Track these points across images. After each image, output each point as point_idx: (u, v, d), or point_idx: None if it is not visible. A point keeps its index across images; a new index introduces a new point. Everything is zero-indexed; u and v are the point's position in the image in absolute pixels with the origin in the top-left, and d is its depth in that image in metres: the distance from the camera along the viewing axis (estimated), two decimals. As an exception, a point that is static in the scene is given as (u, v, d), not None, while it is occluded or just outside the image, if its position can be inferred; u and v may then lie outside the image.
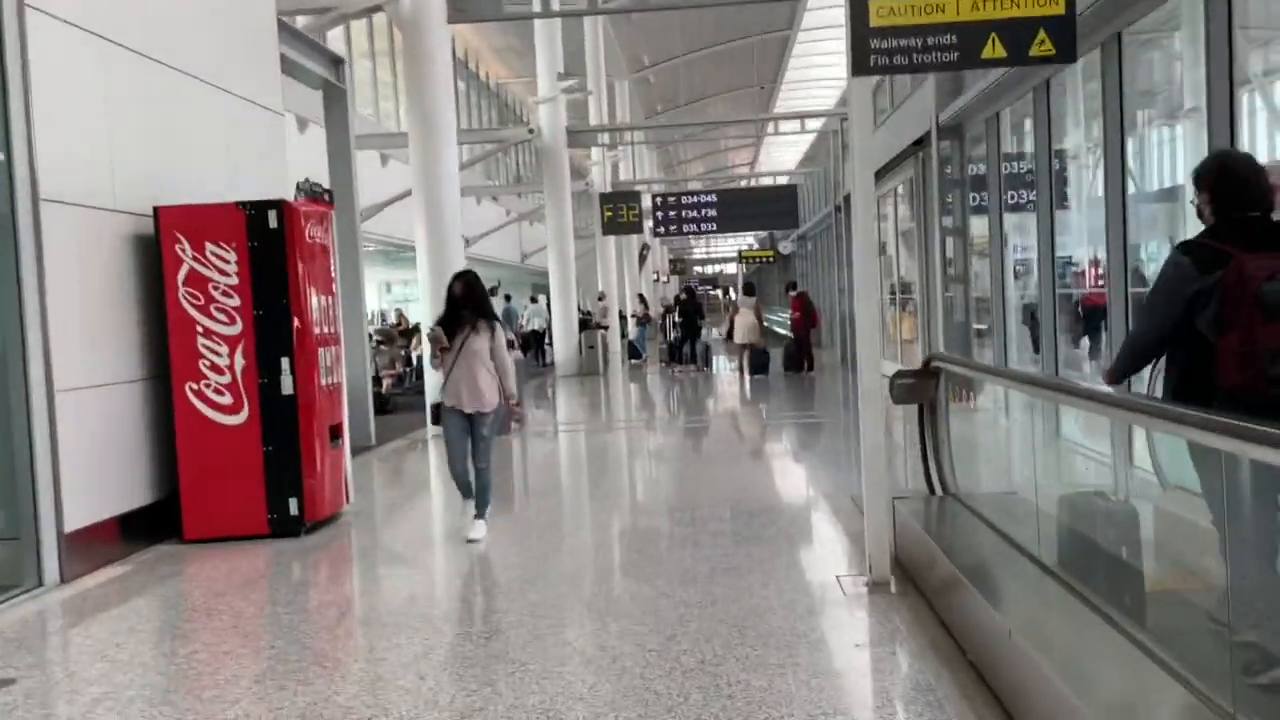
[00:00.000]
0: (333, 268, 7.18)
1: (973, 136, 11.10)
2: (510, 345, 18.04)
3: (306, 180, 6.97)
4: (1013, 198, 10.14)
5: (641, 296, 25.18)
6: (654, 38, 34.45)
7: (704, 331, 21.03)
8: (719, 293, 61.46)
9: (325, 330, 6.91)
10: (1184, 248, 3.37)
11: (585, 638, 4.22)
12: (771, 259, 33.11)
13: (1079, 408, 4.03)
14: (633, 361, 23.64)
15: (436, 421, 6.26)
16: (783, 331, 31.57)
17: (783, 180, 30.59)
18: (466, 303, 6.02)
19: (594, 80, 27.43)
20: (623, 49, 34.30)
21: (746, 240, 48.84)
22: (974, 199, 11.22)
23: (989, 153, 10.46)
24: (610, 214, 18.84)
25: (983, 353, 11.17)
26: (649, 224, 22.72)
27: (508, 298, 26.84)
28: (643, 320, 23.96)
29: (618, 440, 11.04)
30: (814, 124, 20.93)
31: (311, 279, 6.70)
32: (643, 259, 40.85)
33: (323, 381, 6.78)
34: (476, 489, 6.02)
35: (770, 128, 21.20)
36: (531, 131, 19.77)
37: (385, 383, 14.89)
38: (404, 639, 4.25)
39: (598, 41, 27.30)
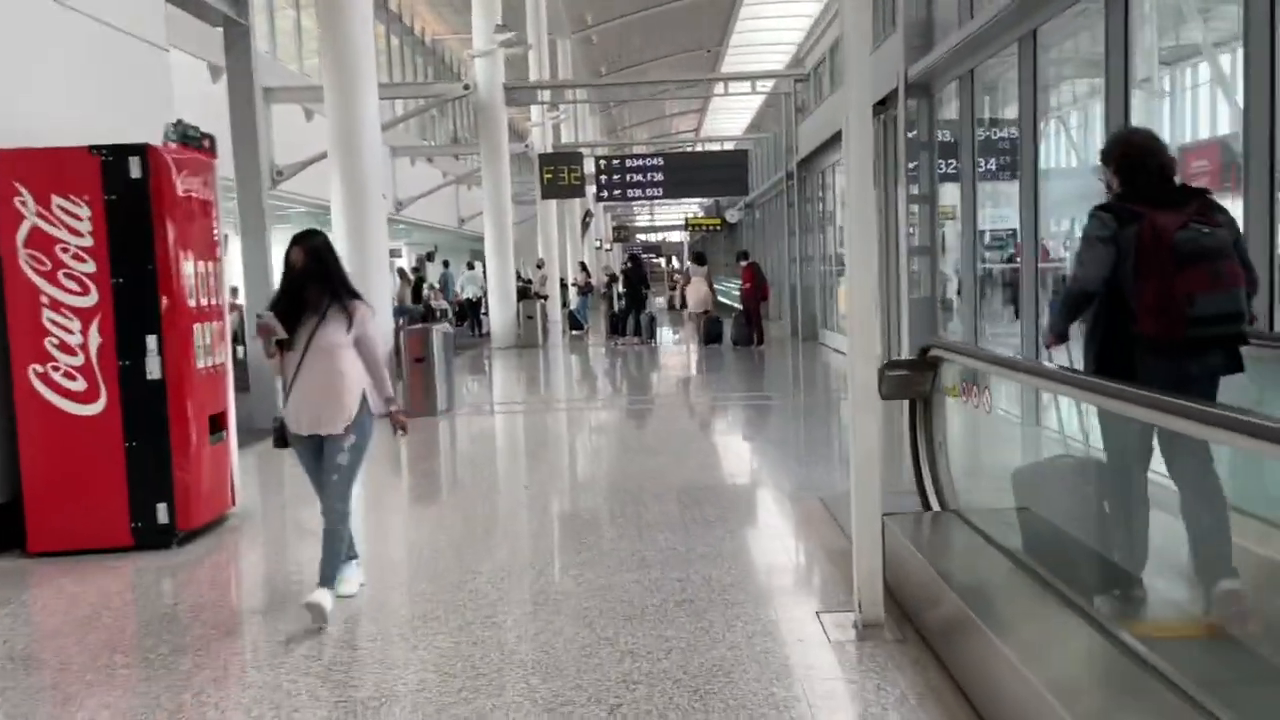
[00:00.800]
0: (216, 228, 6.06)
1: (943, 97, 10.25)
2: (437, 316, 16.76)
3: (179, 123, 5.82)
4: (988, 164, 9.33)
5: (583, 264, 24.11)
6: (596, -1, 33.17)
7: (649, 301, 20.07)
8: (663, 261, 60.47)
9: (205, 302, 5.82)
10: (1101, 207, 3.57)
11: (505, 711, 3.28)
12: (718, 227, 32.22)
13: (1122, 412, 3.18)
14: (574, 333, 22.62)
15: (282, 444, 4.44)
16: (728, 302, 30.79)
17: (730, 146, 29.67)
18: (312, 277, 4.28)
19: (534, 36, 26.11)
20: (565, 7, 32.92)
21: (692, 208, 47.90)
22: (943, 165, 10.40)
23: (962, 114, 9.61)
24: (550, 176, 17.70)
25: (950, 330, 10.41)
26: (592, 190, 21.67)
27: (445, 264, 25.62)
28: (584, 289, 22.90)
29: (556, 425, 10.06)
30: (764, 87, 19.93)
31: (186, 241, 5.58)
32: (585, 226, 39.67)
33: (200, 363, 5.70)
34: (325, 543, 4.27)
35: (720, 88, 20.14)
36: (467, 88, 18.49)
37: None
38: (284, 704, 3.27)
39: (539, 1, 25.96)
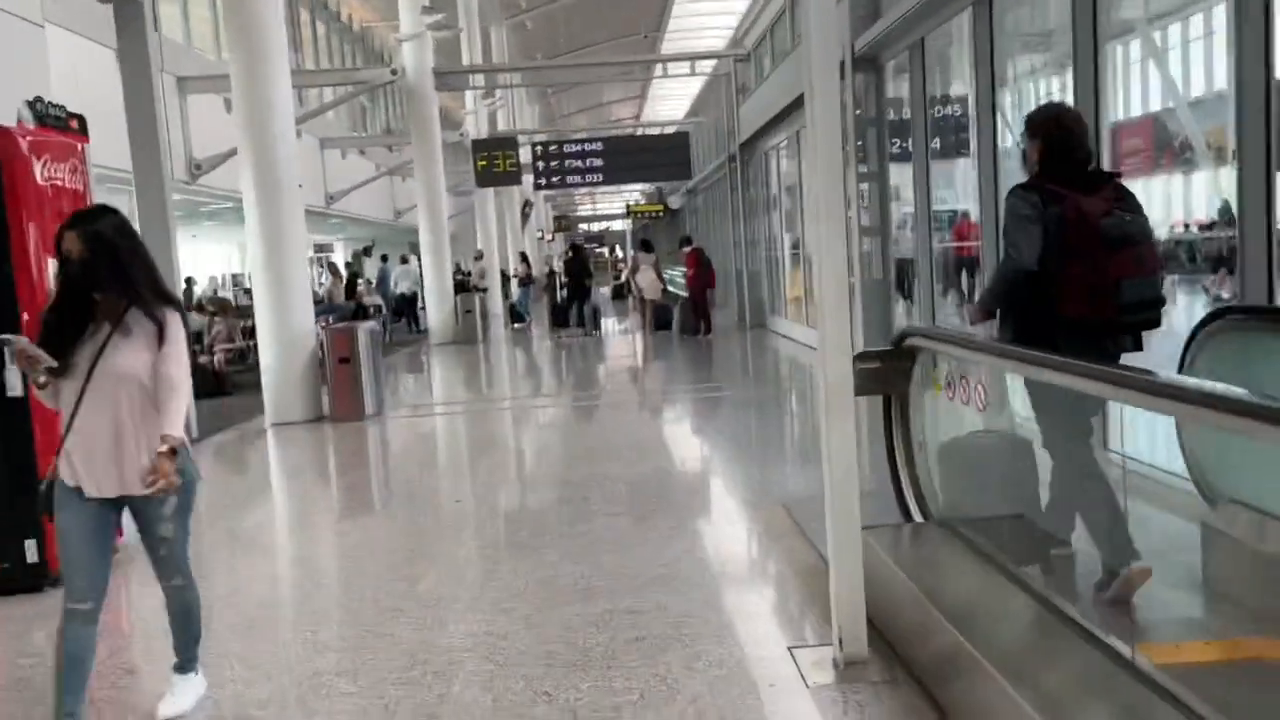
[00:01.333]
0: (92, 221, 5.31)
1: (894, 68, 9.79)
2: (370, 313, 15.88)
3: (39, 100, 5.06)
4: (939, 142, 8.88)
5: (524, 255, 23.38)
6: (531, -23, 32.27)
7: (593, 292, 19.46)
8: (606, 250, 59.78)
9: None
10: (1023, 187, 3.55)
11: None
12: (661, 213, 31.65)
13: (1131, 402, 2.68)
14: (516, 326, 21.92)
15: (49, 511, 3.12)
16: (675, 290, 30.32)
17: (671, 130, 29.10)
18: (98, 275, 3.07)
19: (465, 21, 25.27)
20: (498, -8, 32.05)
21: (633, 195, 47.31)
22: (894, 144, 9.94)
23: (912, 88, 9.15)
24: (484, 163, 16.94)
25: (905, 314, 9.97)
26: (529, 179, 20.95)
27: (384, 258, 24.74)
28: (525, 281, 22.20)
29: (494, 426, 9.40)
30: (704, 69, 19.39)
31: (50, 237, 4.83)
32: (525, 216, 38.85)
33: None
34: (175, 621, 3.32)
35: (659, 70, 19.56)
36: (394, 73, 17.60)
37: (217, 358, 12.85)
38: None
39: (470, -24, 25.10)
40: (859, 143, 11.06)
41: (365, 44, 31.06)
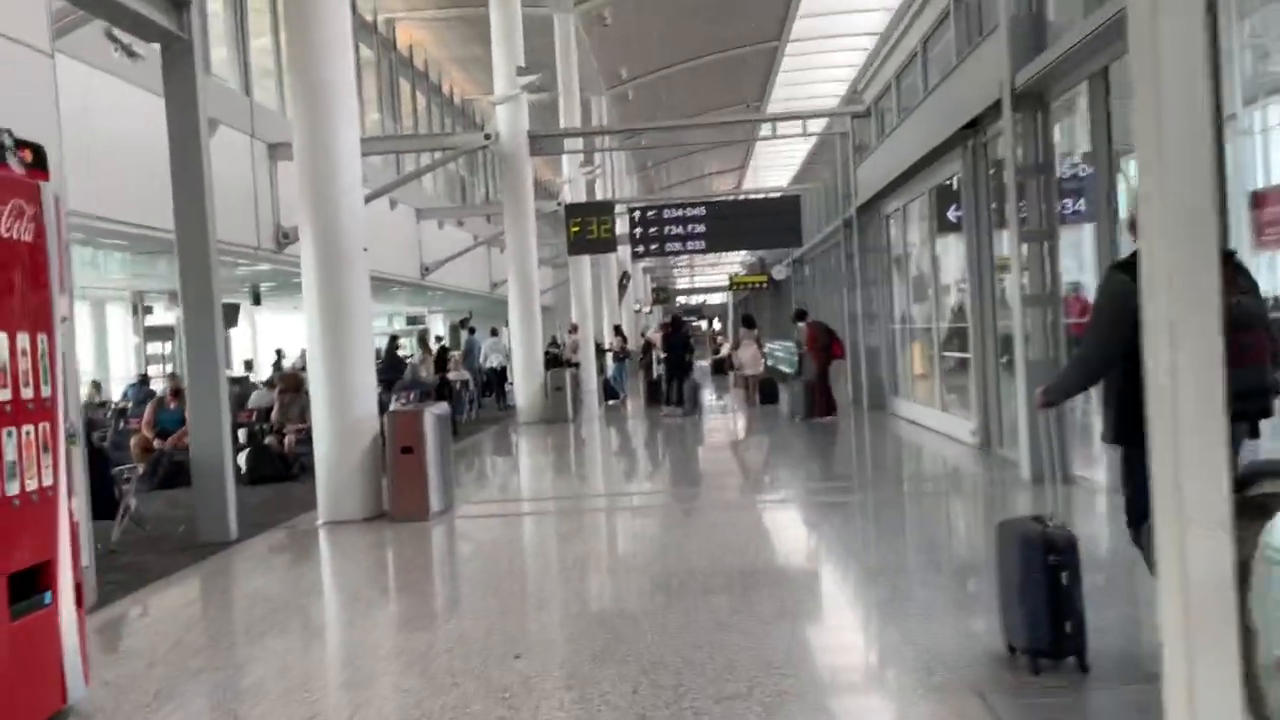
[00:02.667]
0: (54, 279, 4.08)
1: (1062, 106, 8.14)
2: (456, 389, 14.47)
3: (-16, 124, 3.87)
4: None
5: (618, 328, 22.13)
6: (633, 49, 31.72)
7: (693, 367, 17.97)
8: (704, 324, 58.50)
9: (25, 396, 3.81)
10: (1122, 265, 3.42)
11: None
12: (764, 285, 30.18)
13: None
14: (609, 403, 20.54)
15: None
16: (784, 369, 28.60)
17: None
18: None
19: (564, 90, 24.61)
20: (599, 61, 31.56)
21: (733, 267, 46.04)
22: (1068, 202, 8.25)
23: (1094, 130, 7.48)
24: (578, 229, 15.79)
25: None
26: (626, 248, 19.81)
27: (472, 330, 23.85)
28: (621, 355, 20.89)
29: (574, 535, 7.83)
30: (816, 127, 18.01)
31: (-24, 302, 3.59)
32: (623, 288, 37.87)
33: (7, 488, 3.66)
34: None
35: (766, 130, 18.23)
36: (488, 137, 16.78)
37: (289, 440, 11.72)
38: None
39: (569, 45, 24.48)
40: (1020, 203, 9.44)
41: (467, 116, 30.83)
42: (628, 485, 10.15)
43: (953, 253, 12.17)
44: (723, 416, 17.16)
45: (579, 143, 19.06)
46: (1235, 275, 3.26)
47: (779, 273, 29.35)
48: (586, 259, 26.93)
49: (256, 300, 24.09)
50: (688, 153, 47.75)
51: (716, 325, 52.08)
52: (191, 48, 7.48)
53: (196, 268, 7.55)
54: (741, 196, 27.96)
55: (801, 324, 14.92)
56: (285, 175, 17.42)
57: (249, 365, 25.21)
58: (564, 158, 26.81)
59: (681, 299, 71.31)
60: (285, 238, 16.54)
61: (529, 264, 17.14)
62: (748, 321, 18.04)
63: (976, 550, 6.10)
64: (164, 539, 7.97)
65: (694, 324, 43.12)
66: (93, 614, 5.37)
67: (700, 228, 16.52)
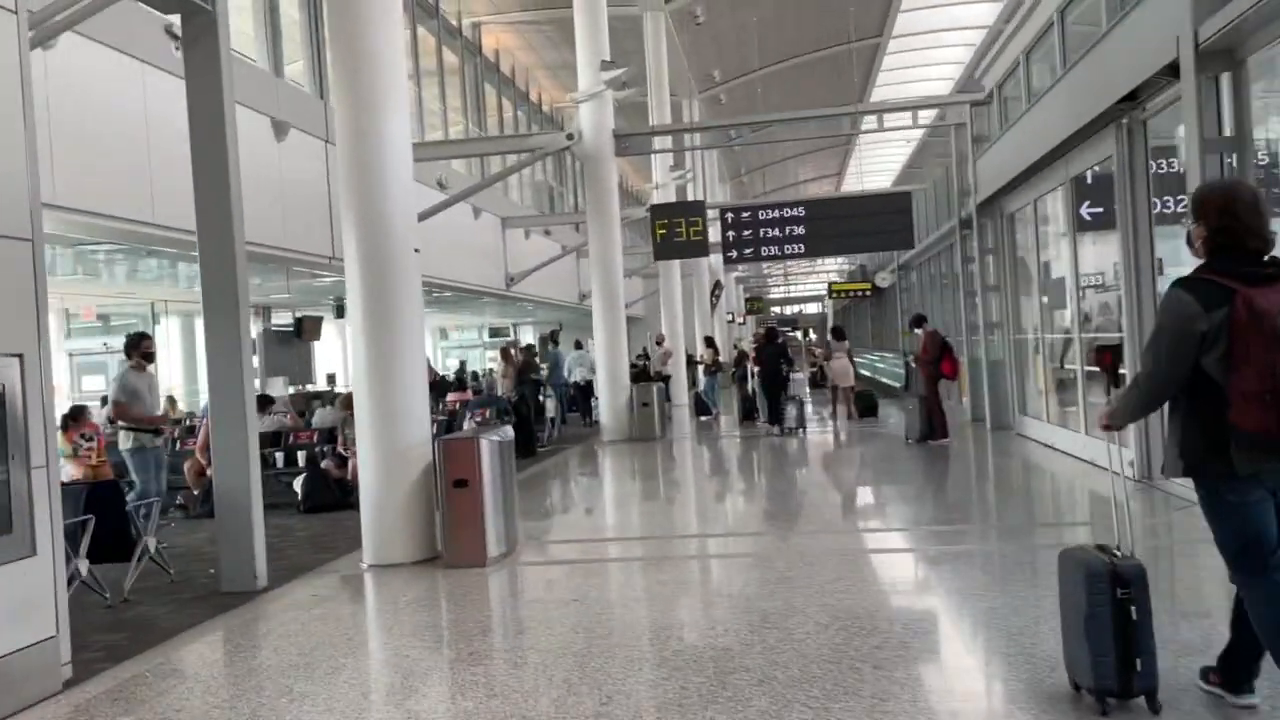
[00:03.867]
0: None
1: (1261, 63, 6.53)
2: (540, 403, 12.96)
3: None
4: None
5: (710, 340, 20.76)
6: (726, 50, 30.43)
7: (791, 382, 16.52)
8: (799, 334, 56.67)
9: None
10: (1184, 284, 3.22)
11: None
12: (868, 292, 28.42)
13: None
14: (701, 419, 19.21)
15: None
16: (889, 381, 26.75)
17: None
18: None
19: (655, 93, 23.45)
20: (690, 63, 30.36)
21: (832, 276, 44.25)
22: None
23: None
24: (664, 231, 14.53)
25: None
26: (717, 254, 18.46)
27: (555, 341, 22.84)
28: (712, 369, 19.54)
29: (663, 587, 6.52)
30: (927, 118, 16.39)
31: None
32: (715, 297, 36.54)
33: None
34: None
35: (871, 123, 16.65)
36: (571, 137, 15.70)
37: (351, 464, 10.74)
38: None
39: (659, 44, 23.35)
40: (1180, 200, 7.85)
41: (555, 124, 30.03)
42: (723, 522, 8.76)
43: (1097, 252, 10.51)
44: (824, 434, 15.65)
45: (668, 142, 17.79)
46: None
47: (883, 280, 27.57)
48: (676, 267, 25.77)
49: (340, 313, 23.59)
50: (781, 159, 46.29)
51: (813, 336, 50.17)
52: (215, 20, 6.49)
53: (219, 268, 6.55)
54: (845, 195, 26.21)
55: (919, 331, 13.34)
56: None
57: (331, 380, 24.74)
58: (653, 163, 25.70)
59: (776, 309, 69.51)
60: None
61: (614, 271, 15.98)
62: (838, 333, 17.81)
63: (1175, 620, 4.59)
64: (188, 583, 6.99)
65: (790, 334, 41.38)
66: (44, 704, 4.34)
67: (799, 230, 15.10)
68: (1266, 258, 3.20)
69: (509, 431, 7.65)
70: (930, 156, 34.35)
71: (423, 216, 15.58)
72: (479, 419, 13.55)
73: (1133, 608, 3.46)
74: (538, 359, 21.41)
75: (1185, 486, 8.55)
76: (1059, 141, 10.11)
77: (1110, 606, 3.45)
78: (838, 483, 10.54)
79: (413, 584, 6.61)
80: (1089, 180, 10.20)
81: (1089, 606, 3.50)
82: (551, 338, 29.42)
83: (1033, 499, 9.41)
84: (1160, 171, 8.68)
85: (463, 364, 30.69)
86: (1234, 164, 6.56)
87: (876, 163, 43.53)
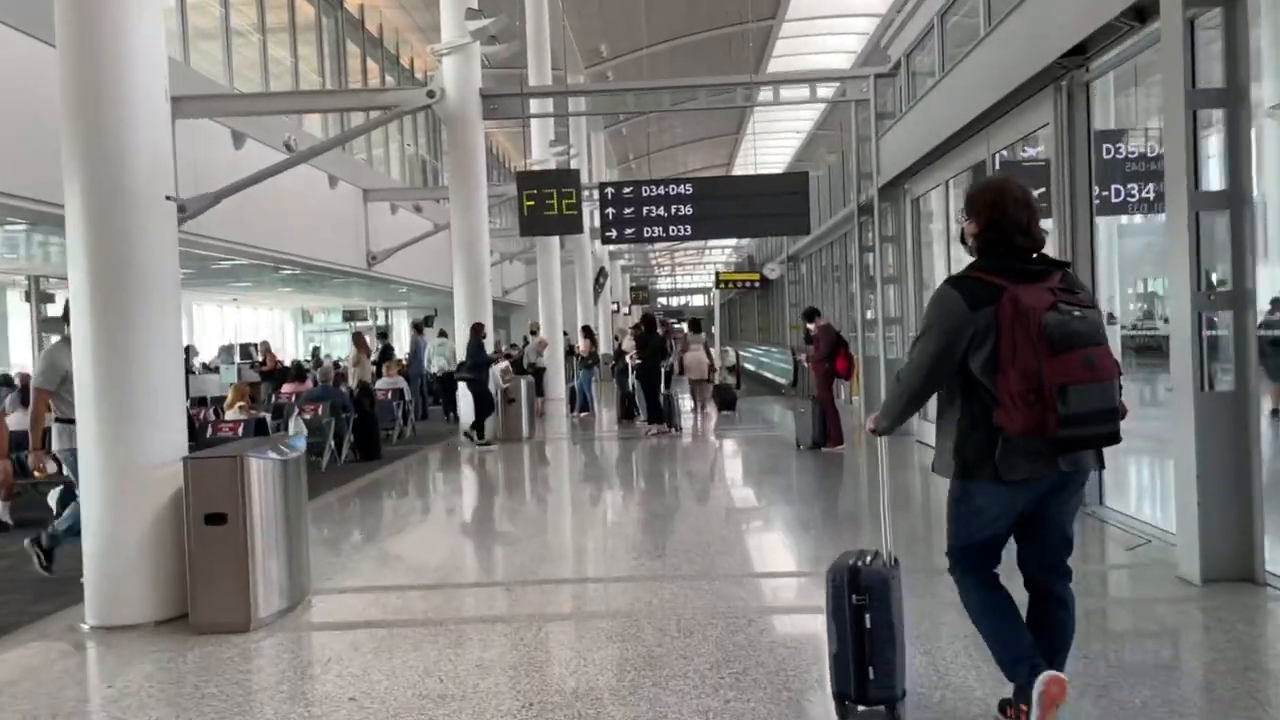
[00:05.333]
0: None
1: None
2: (369, 402, 10.99)
3: None
4: None
5: (587, 329, 19.05)
6: (614, 24, 28.82)
7: (673, 376, 15.02)
8: (685, 326, 55.60)
9: None
10: (952, 282, 3.19)
11: None
12: (756, 284, 27.20)
13: None
14: (582, 415, 17.53)
15: None
16: (772, 376, 25.62)
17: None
18: None
19: (534, 56, 21.55)
20: (576, 37, 28.63)
21: (720, 265, 43.17)
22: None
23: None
24: (532, 203, 12.74)
25: None
26: (599, 240, 16.76)
27: (416, 328, 20.80)
28: (589, 361, 17.87)
29: (477, 691, 4.84)
30: (818, 101, 15.07)
31: None
32: (599, 285, 34.87)
33: None
34: None
35: (768, 95, 15.16)
36: (432, 95, 13.73)
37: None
38: None
39: (540, 9, 21.45)
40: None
41: (419, 82, 27.79)
42: (582, 562, 6.91)
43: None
44: (706, 438, 14.19)
45: (548, 107, 15.96)
46: (1070, 289, 3.04)
47: (772, 271, 26.39)
48: (555, 250, 23.94)
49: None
50: (670, 146, 44.93)
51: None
52: None
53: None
54: (737, 175, 24.81)
55: (811, 325, 11.95)
56: (197, 137, 14.49)
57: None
58: (533, 138, 23.81)
59: (663, 300, 68.39)
60: (182, 210, 13.51)
61: (478, 250, 14.10)
62: (695, 326, 17.71)
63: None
64: None
65: (676, 326, 40.02)
66: None
67: (686, 209, 13.54)
68: (1036, 255, 3.14)
69: (299, 444, 5.78)
70: (822, 149, 33.49)
71: (253, 181, 13.41)
72: (307, 415, 11.54)
73: (867, 615, 3.39)
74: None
75: (1133, 517, 7.37)
76: (981, 111, 8.80)
77: (848, 611, 3.40)
78: (723, 504, 8.92)
79: (136, 660, 4.72)
80: (1015, 159, 8.92)
81: (832, 609, 3.46)
82: (426, 323, 27.20)
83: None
84: (1106, 156, 7.39)
85: (316, 350, 28.20)
86: (1225, 122, 5.23)
87: (767, 153, 42.64)
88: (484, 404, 13.12)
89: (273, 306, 39.29)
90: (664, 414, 14.12)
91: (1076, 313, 2.97)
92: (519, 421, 13.96)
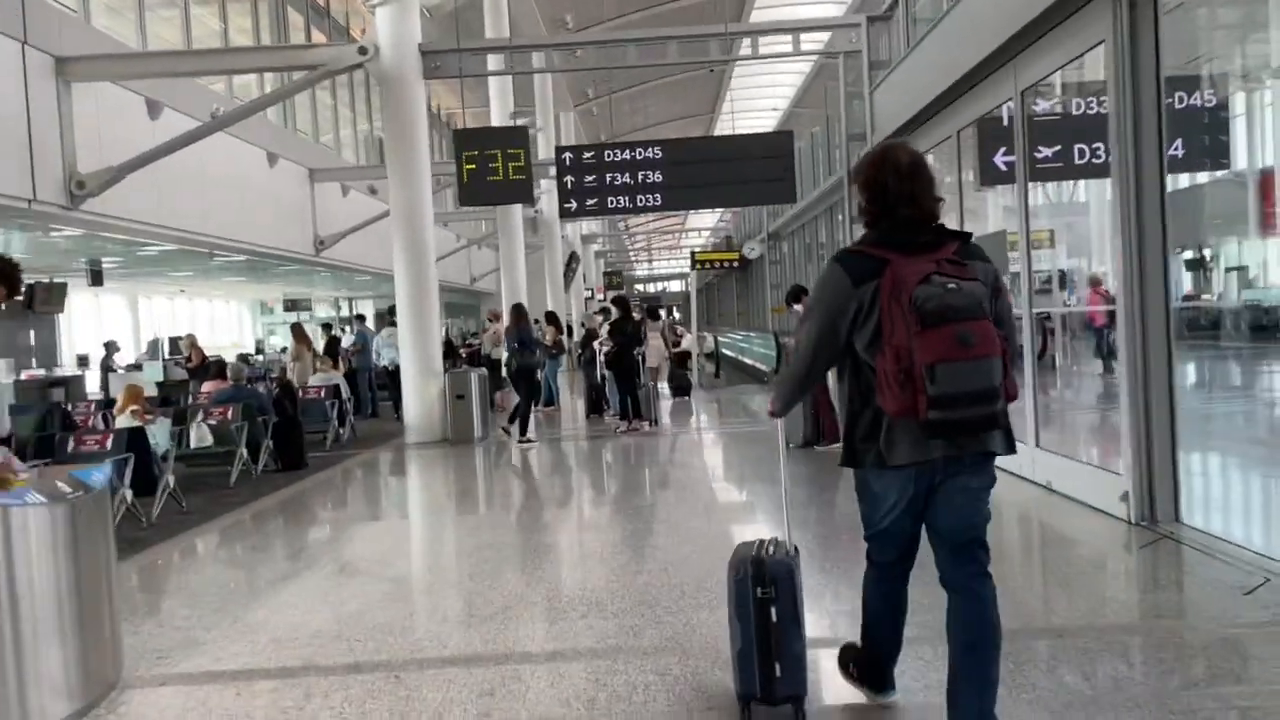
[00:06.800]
0: None
1: None
2: (291, 401, 9.94)
3: None
4: None
5: (552, 315, 17.34)
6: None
7: (644, 368, 13.42)
8: (664, 313, 53.89)
9: None
10: (838, 257, 3.04)
11: None
12: (735, 263, 25.60)
13: None
14: (545, 409, 15.88)
15: None
16: (753, 363, 24.01)
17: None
18: None
19: (492, 17, 19.84)
20: (539, 7, 26.86)
21: (698, 248, 41.52)
22: None
23: None
24: (473, 166, 11.00)
25: None
26: (575, 228, 15.11)
27: (360, 318, 19.05)
28: (553, 350, 16.19)
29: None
30: (802, 55, 13.42)
31: None
32: (570, 271, 33.19)
33: None
34: None
35: (747, 48, 13.48)
36: (364, 51, 12.02)
37: None
38: None
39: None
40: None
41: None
42: (527, 619, 4.98)
43: (1060, 198, 7.71)
44: (685, 434, 12.61)
45: (499, 60, 14.21)
46: (960, 261, 2.83)
47: (751, 250, 24.76)
48: (518, 231, 22.30)
49: (96, 279, 19.11)
50: (645, 127, 43.22)
51: (677, 315, 47.45)
52: None
53: None
54: (713, 136, 23.15)
55: (798, 307, 10.38)
56: (100, 108, 12.81)
57: (83, 361, 20.24)
58: (492, 114, 22.12)
59: (640, 287, 66.69)
60: (80, 187, 11.80)
61: (421, 226, 12.38)
62: (652, 313, 17.26)
63: None
64: None
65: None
66: None
67: (656, 176, 11.90)
68: (935, 225, 2.94)
69: (96, 478, 4.10)
70: (805, 121, 31.88)
71: (163, 152, 11.62)
72: (213, 420, 9.83)
73: (773, 608, 3.23)
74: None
75: (1204, 532, 5.86)
76: (1008, 37, 7.19)
77: (752, 605, 3.23)
78: (704, 531, 7.18)
79: None
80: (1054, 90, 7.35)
81: (736, 604, 3.30)
82: (391, 313, 25.47)
83: (1031, 557, 6.50)
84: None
85: (259, 341, 26.36)
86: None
87: (746, 120, 40.96)
88: (533, 394, 12.11)
89: (228, 298, 37.35)
90: (637, 408, 12.55)
91: (951, 285, 2.75)
92: (470, 420, 12.31)
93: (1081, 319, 8.94)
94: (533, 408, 12.15)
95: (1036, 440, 7.43)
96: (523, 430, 11.78)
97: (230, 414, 9.92)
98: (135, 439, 7.97)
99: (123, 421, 9.25)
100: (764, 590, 3.22)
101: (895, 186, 2.91)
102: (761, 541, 3.44)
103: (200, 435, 9.69)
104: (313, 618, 5.06)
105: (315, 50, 13.76)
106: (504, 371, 12.26)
